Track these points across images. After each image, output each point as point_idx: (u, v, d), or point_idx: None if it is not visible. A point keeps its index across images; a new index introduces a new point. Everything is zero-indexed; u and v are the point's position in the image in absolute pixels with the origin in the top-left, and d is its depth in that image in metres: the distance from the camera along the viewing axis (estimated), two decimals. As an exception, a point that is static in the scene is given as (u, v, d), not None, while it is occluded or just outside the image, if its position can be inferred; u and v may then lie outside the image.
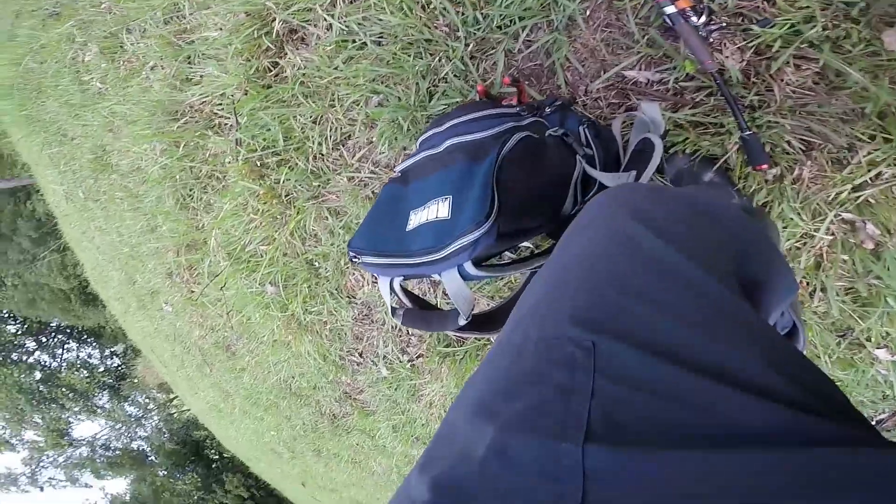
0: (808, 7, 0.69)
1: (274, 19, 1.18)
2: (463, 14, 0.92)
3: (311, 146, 1.23)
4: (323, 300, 1.55)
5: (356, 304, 1.52)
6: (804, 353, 0.57)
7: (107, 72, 1.95)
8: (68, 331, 15.19)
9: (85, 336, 15.28)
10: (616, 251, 0.32)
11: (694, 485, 0.20)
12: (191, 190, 1.73)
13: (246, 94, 1.28)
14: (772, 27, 0.72)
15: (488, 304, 1.20)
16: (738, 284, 0.34)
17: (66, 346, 15.46)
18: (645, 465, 0.20)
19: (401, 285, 0.66)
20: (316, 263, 1.49)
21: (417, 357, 1.46)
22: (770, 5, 0.73)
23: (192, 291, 2.37)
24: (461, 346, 1.33)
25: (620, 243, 0.32)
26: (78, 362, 15.47)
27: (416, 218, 0.63)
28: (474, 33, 0.93)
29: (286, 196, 1.37)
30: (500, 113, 0.67)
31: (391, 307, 0.68)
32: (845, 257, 0.81)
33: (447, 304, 1.14)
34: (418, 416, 1.63)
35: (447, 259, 0.56)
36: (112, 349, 15.31)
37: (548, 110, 0.71)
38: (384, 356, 1.56)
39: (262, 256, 1.57)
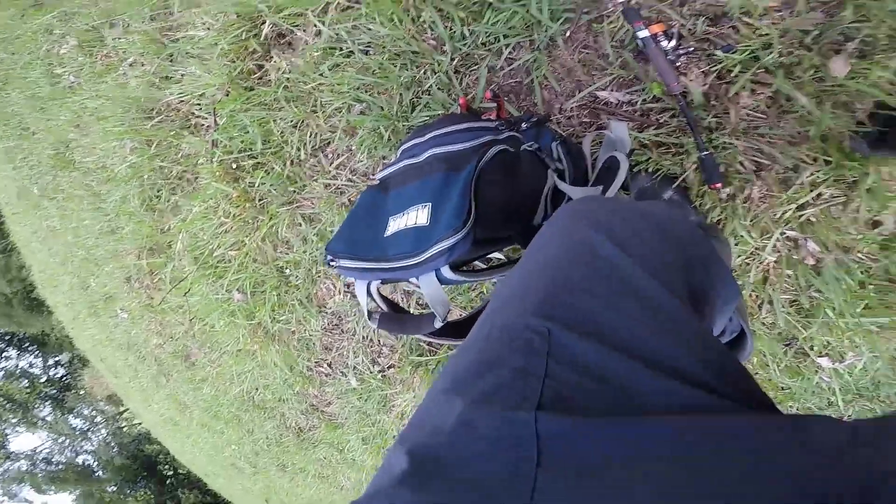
0: (767, 34, 0.75)
1: (264, 22, 1.18)
2: (451, 29, 0.95)
3: (290, 151, 1.23)
4: (292, 309, 1.53)
5: (326, 313, 1.51)
6: (751, 354, 0.63)
7: (82, 66, 1.92)
8: (8, 338, 14.20)
9: (27, 344, 14.31)
10: (576, 257, 0.36)
11: (624, 445, 0.24)
12: (159, 191, 1.68)
13: (227, 95, 1.28)
14: (734, 53, 0.78)
15: (460, 315, 1.22)
16: (685, 289, 0.38)
17: (4, 355, 14.43)
18: (586, 431, 0.24)
19: (378, 289, 0.67)
20: (286, 271, 1.47)
21: (389, 367, 1.46)
22: (734, 32, 0.78)
23: (152, 298, 2.28)
24: (433, 355, 1.34)
25: (580, 250, 0.37)
26: (18, 371, 14.47)
27: (395, 224, 0.65)
28: (460, 48, 0.96)
29: (259, 200, 1.36)
30: (479, 126, 0.70)
31: (367, 311, 0.69)
32: (790, 272, 0.88)
33: (421, 312, 1.15)
34: (389, 428, 1.61)
35: (426, 263, 0.58)
36: (56, 358, 14.41)
37: (524, 126, 0.74)
38: (354, 367, 1.55)
39: (230, 262, 1.54)
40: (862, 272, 0.85)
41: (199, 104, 1.41)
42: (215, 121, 1.31)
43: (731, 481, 0.21)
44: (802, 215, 0.82)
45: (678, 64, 0.82)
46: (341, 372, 1.62)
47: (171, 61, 1.48)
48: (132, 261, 2.16)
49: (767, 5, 0.76)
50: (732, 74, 0.80)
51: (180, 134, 1.46)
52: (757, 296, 0.93)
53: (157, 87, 1.52)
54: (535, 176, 0.67)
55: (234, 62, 1.25)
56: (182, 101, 1.47)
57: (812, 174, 0.80)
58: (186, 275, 1.73)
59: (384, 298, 0.70)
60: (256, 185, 1.30)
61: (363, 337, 1.46)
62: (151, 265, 2.05)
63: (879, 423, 0.24)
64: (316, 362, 1.68)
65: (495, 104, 0.82)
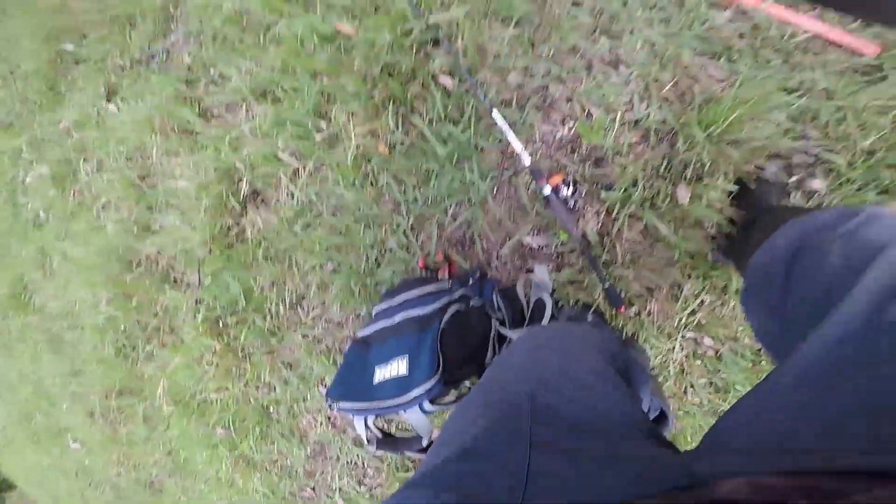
0: (633, 171, 0.90)
1: (241, 179, 1.28)
2: (405, 192, 1.12)
3: (269, 306, 1.32)
4: (274, 440, 1.57)
5: (309, 443, 1.55)
6: (674, 427, 0.82)
7: (53, 200, 1.81)
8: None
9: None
10: (537, 357, 0.56)
11: (575, 443, 0.41)
12: (134, 341, 1.71)
13: (210, 253, 1.36)
14: (613, 191, 0.92)
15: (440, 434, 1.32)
16: (614, 373, 0.57)
17: None
18: (559, 439, 0.42)
19: (373, 423, 0.82)
20: (269, 408, 1.52)
21: (376, 487, 1.49)
22: (612, 171, 0.93)
23: (117, 431, 2.18)
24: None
25: (537, 352, 0.56)
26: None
27: (381, 373, 0.82)
28: (413, 210, 1.12)
29: (242, 351, 1.42)
30: (437, 290, 0.91)
31: (366, 439, 0.83)
32: (699, 362, 1.07)
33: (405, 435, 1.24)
34: (382, 543, 1.59)
35: (411, 402, 0.75)
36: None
37: (471, 281, 0.95)
38: (339, 489, 1.57)
39: (213, 404, 1.56)
40: (752, 353, 1.06)
41: (175, 257, 1.46)
42: (200, 279, 1.39)
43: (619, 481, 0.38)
44: (694, 319, 1.03)
45: (577, 208, 0.98)
46: (326, 495, 1.62)
47: (150, 210, 1.50)
48: (97, 399, 2.08)
49: (631, 141, 0.92)
50: (615, 212, 0.95)
51: (161, 288, 1.52)
52: (680, 384, 1.11)
53: (135, 237, 1.53)
54: (483, 326, 0.87)
55: (213, 218, 1.33)
56: (160, 253, 1.52)
57: (692, 286, 1.00)
58: (168, 414, 1.71)
59: (378, 428, 0.84)
60: (240, 339, 1.37)
61: (347, 462, 1.50)
62: (120, 405, 2.00)
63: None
64: (299, 487, 1.68)
65: (446, 262, 1.03)
